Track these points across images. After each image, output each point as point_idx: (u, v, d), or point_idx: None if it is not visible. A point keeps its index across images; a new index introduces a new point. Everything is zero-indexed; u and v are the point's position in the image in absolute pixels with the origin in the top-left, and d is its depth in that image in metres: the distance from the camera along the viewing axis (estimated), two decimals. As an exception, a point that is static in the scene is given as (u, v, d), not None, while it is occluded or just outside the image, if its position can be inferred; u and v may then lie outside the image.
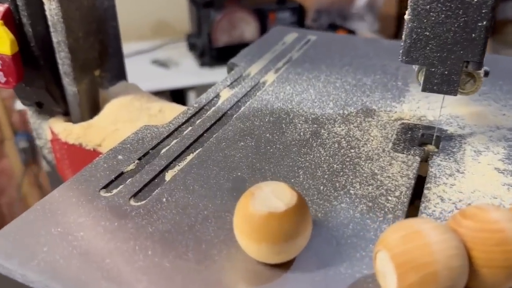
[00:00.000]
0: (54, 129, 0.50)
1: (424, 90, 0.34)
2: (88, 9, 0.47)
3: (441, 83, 0.34)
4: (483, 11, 0.31)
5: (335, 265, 0.27)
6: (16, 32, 0.45)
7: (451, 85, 0.33)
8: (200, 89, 1.52)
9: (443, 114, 0.42)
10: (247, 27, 1.56)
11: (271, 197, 0.26)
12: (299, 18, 1.59)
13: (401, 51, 0.33)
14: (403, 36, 0.33)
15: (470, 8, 0.31)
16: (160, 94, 1.63)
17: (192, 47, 1.60)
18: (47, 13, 0.45)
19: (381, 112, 0.43)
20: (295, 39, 0.58)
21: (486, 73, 0.36)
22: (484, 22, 0.31)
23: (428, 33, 0.32)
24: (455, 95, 0.34)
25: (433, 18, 0.32)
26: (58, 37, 0.46)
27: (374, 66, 0.51)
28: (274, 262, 0.26)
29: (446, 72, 0.33)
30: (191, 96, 1.55)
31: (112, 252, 0.27)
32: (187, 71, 1.55)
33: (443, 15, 0.31)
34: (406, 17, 0.32)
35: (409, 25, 0.32)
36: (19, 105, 1.35)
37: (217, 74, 1.51)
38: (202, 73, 1.54)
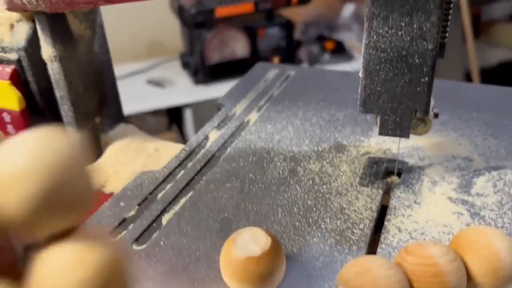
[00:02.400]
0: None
1: (380, 134, 0.40)
2: (86, 65, 0.53)
3: (394, 128, 0.39)
4: (424, 69, 0.36)
5: (306, 295, 0.32)
6: (23, 89, 0.51)
7: (403, 129, 0.39)
8: (196, 106, 1.58)
9: (406, 146, 0.47)
10: (238, 44, 1.61)
11: (249, 242, 0.31)
12: (288, 33, 1.65)
13: (358, 103, 0.39)
14: (359, 90, 0.38)
15: (413, 67, 0.36)
16: (157, 113, 1.69)
17: (185, 65, 1.65)
18: (50, 72, 0.50)
19: (351, 147, 0.48)
20: (275, 76, 0.64)
21: (436, 115, 0.41)
22: (426, 78, 0.36)
23: (379, 88, 0.37)
24: (408, 137, 0.39)
25: (383, 76, 0.37)
26: (60, 92, 0.51)
27: (346, 101, 0.57)
28: (255, 296, 0.32)
29: (398, 119, 0.39)
30: (188, 113, 1.61)
31: (120, 294, 0.33)
32: (182, 89, 1.61)
33: (391, 73, 0.37)
34: (360, 75, 0.38)
35: (363, 82, 0.38)
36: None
37: (211, 91, 1.56)
38: (197, 91, 1.59)
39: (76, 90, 0.52)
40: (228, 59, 1.59)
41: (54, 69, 0.50)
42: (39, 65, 0.50)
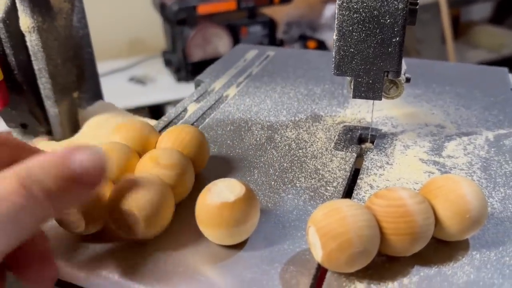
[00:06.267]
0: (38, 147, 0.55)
1: (354, 97, 0.41)
2: (65, 38, 0.53)
3: (367, 90, 0.40)
4: (395, 29, 0.37)
5: (280, 243, 0.33)
6: (1, 62, 0.51)
7: (376, 91, 0.40)
8: (178, 103, 1.57)
9: (380, 116, 0.48)
10: (220, 42, 1.62)
11: (224, 190, 0.32)
12: (270, 31, 1.66)
13: (332, 66, 0.40)
14: (333, 53, 0.39)
15: (384, 27, 0.37)
16: (138, 110, 1.68)
17: (168, 63, 1.65)
18: (28, 44, 0.50)
19: (327, 117, 0.49)
20: (255, 56, 0.65)
21: (408, 80, 0.42)
22: (397, 38, 0.37)
23: (352, 50, 0.38)
24: (380, 99, 0.40)
25: (356, 37, 0.38)
26: (38, 64, 0.51)
27: (324, 77, 0.58)
28: (230, 243, 0.32)
29: (370, 81, 0.40)
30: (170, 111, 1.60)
31: (95, 246, 0.33)
32: (164, 87, 1.61)
33: (363, 34, 0.38)
34: (334, 37, 0.39)
35: (337, 44, 0.39)
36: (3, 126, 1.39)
37: (194, 89, 1.56)
38: (179, 88, 1.59)
39: (54, 63, 0.52)
40: (211, 56, 1.60)
41: (32, 41, 0.50)
42: (17, 37, 0.50)
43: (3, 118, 0.57)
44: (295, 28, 1.89)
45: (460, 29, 2.27)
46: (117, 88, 1.58)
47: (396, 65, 0.39)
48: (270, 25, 1.66)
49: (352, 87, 0.40)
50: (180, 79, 1.60)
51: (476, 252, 0.32)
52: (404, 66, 0.42)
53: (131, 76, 1.65)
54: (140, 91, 1.59)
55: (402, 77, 0.41)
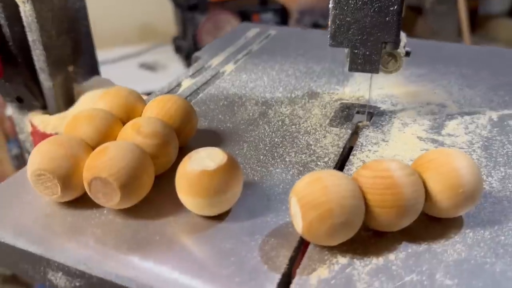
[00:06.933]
0: (33, 121, 0.54)
1: (350, 70, 0.39)
2: (60, 9, 0.52)
3: (364, 63, 0.38)
4: (393, -3, 0.35)
5: (263, 216, 0.31)
6: (-5, 32, 0.50)
7: (373, 64, 0.38)
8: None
9: (380, 94, 0.47)
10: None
11: (206, 159, 0.30)
12: (282, 19, 1.64)
13: (328, 36, 0.38)
14: (329, 23, 0.38)
15: (382, -5, 0.35)
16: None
17: (178, 49, 1.64)
18: (22, 14, 0.49)
19: (324, 94, 0.47)
20: (256, 34, 0.63)
21: (408, 53, 0.40)
22: (396, 7, 0.35)
23: (349, 19, 0.37)
24: (377, 72, 0.39)
25: (352, 5, 0.36)
26: (33, 36, 0.50)
27: (325, 56, 0.56)
28: (210, 214, 0.31)
29: (367, 53, 0.38)
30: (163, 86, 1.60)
31: (73, 213, 0.32)
32: (174, 74, 1.60)
33: (360, 2, 0.36)
34: (330, 5, 0.37)
35: (333, 12, 0.37)
36: (9, 110, 1.40)
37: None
38: (188, 75, 1.58)
39: (48, 35, 0.51)
40: (221, 43, 1.58)
41: (26, 11, 0.49)
42: (12, 7, 0.49)
43: (-1, 91, 0.56)
44: (308, 16, 1.86)
45: (478, 22, 2.21)
46: (127, 74, 1.57)
47: (394, 35, 0.37)
48: (282, 12, 1.64)
49: (348, 59, 0.39)
50: (190, 65, 1.59)
51: (470, 231, 0.30)
52: (404, 39, 0.40)
53: (142, 63, 1.64)
54: (150, 78, 1.58)
55: (402, 50, 0.39)
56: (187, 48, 1.59)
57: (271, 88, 0.49)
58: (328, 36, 0.38)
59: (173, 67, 1.62)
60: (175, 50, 1.66)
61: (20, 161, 1.65)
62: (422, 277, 0.27)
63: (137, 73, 1.61)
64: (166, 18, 1.72)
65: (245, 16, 1.60)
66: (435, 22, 1.97)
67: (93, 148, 0.33)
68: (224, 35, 0.64)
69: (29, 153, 0.61)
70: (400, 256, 0.28)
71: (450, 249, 0.28)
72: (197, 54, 0.57)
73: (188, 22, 1.55)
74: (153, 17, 1.77)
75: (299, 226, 0.27)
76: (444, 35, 2.07)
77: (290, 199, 0.28)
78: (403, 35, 0.40)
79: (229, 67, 0.54)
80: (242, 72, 0.52)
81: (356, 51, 0.38)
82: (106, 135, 0.34)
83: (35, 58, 0.52)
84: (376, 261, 0.28)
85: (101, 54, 0.59)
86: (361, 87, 0.48)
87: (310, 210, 0.26)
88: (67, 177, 0.31)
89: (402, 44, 0.39)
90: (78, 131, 0.34)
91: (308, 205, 0.26)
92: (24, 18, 0.50)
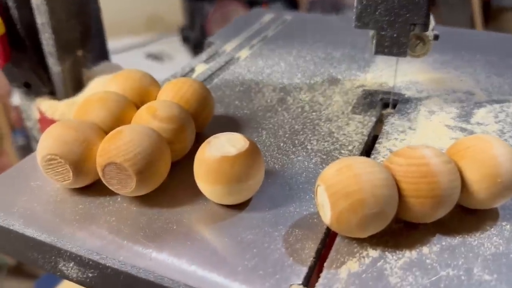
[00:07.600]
0: (41, 107, 0.53)
1: (376, 53, 0.37)
2: (70, -9, 0.50)
3: (391, 45, 0.36)
4: (424, -25, 0.33)
5: (286, 205, 0.29)
6: (3, 15, 0.48)
7: (401, 47, 0.36)
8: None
9: (404, 80, 0.45)
10: (240, 19, 1.58)
11: (226, 144, 0.29)
12: (293, 10, 1.62)
13: (353, 17, 0.36)
14: (355, 3, 0.36)
15: (412, -27, 0.33)
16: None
17: (185, 40, 1.62)
18: (31, -4, 0.48)
19: (345, 80, 0.45)
20: (271, 19, 0.61)
21: (436, 37, 0.38)
22: (426, -14, 0.33)
23: (376, -1, 0.35)
24: (405, 56, 0.36)
25: (379, -16, 0.34)
26: (42, 19, 0.48)
27: (344, 41, 0.54)
28: (229, 203, 0.29)
29: (395, 35, 0.36)
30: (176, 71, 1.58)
31: (85, 200, 0.30)
32: (181, 64, 1.57)
33: (388, -19, 0.34)
34: (355, -16, 0.35)
35: (358, -9, 0.35)
36: (15, 100, 1.38)
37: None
38: (196, 65, 1.56)
39: (57, 18, 0.49)
40: (230, 34, 1.56)
41: (35, -7, 0.47)
42: (20, -11, 0.48)
43: (7, 77, 0.54)
44: (319, 7, 1.83)
45: (491, 14, 2.17)
46: (134, 64, 1.54)
47: (423, 17, 0.35)
48: (292, 3, 1.61)
49: (374, 42, 0.37)
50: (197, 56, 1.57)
51: (506, 223, 0.28)
52: (432, 22, 0.38)
53: (148, 53, 1.62)
54: (156, 68, 1.56)
55: (430, 33, 0.37)
56: (195, 38, 1.57)
57: (289, 74, 0.47)
58: (353, 17, 0.36)
59: (180, 58, 1.60)
60: (182, 40, 1.64)
61: (27, 151, 1.64)
62: (458, 271, 0.25)
63: (144, 63, 1.59)
64: (174, 8, 1.70)
65: (254, 6, 1.57)
66: (447, 14, 1.94)
67: (106, 132, 0.31)
68: (235, 20, 0.62)
69: (36, 141, 0.59)
70: (434, 249, 0.26)
71: (486, 242, 0.27)
72: (210, 39, 0.55)
73: (196, 12, 1.53)
74: (160, 7, 1.75)
75: (326, 216, 0.26)
76: (456, 27, 2.03)
77: (316, 187, 0.27)
78: (431, 18, 0.38)
79: (244, 53, 0.52)
80: (258, 57, 0.51)
81: (383, 33, 0.36)
82: (119, 119, 0.32)
83: (43, 41, 0.50)
84: (409, 255, 0.26)
85: (107, 44, 0.57)
86: (384, 74, 0.46)
87: (340, 199, 0.24)
88: (79, 162, 0.29)
89: (430, 27, 0.37)
90: (90, 115, 0.32)
91: (337, 194, 0.25)
92: (33, 0, 0.48)
